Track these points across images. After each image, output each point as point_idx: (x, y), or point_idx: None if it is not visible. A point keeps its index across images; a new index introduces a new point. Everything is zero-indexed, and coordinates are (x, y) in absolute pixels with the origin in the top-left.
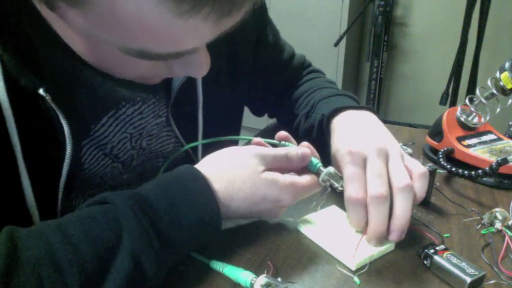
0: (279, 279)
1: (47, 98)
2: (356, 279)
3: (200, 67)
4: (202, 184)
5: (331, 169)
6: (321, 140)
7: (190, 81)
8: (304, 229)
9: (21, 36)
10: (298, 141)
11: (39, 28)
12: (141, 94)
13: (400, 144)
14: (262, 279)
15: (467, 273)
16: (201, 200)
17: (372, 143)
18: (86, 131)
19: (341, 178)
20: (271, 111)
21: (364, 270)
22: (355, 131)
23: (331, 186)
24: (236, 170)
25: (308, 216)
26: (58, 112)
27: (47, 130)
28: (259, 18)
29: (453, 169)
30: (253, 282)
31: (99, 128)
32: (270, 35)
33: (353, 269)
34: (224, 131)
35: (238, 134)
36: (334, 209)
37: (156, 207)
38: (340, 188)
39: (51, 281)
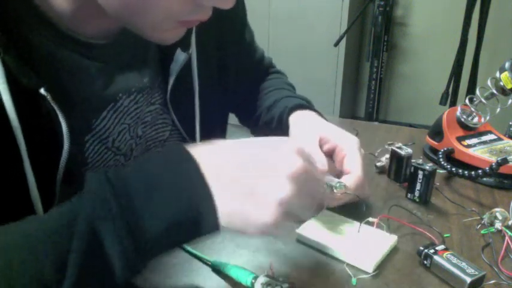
0: (280, 278)
1: (48, 97)
2: (353, 279)
3: None
4: (179, 146)
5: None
6: (278, 130)
7: (187, 66)
8: (307, 240)
9: (19, 34)
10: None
11: (30, 14)
12: (136, 85)
13: (400, 144)
14: (263, 278)
15: (467, 273)
16: (175, 156)
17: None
18: (87, 125)
19: (335, 179)
20: (236, 108)
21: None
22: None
23: (332, 188)
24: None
25: (304, 225)
26: (58, 112)
27: (48, 128)
28: (243, 19)
29: (453, 169)
30: (253, 281)
31: (100, 121)
32: (248, 36)
33: (370, 271)
34: (217, 125)
35: (225, 131)
36: (324, 213)
37: (123, 173)
38: (337, 185)
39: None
